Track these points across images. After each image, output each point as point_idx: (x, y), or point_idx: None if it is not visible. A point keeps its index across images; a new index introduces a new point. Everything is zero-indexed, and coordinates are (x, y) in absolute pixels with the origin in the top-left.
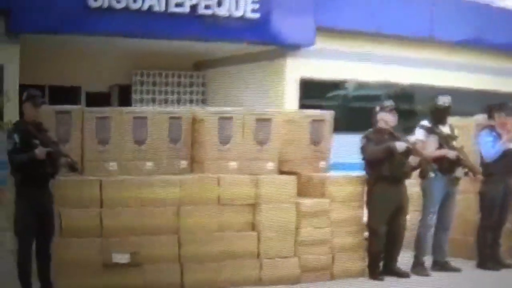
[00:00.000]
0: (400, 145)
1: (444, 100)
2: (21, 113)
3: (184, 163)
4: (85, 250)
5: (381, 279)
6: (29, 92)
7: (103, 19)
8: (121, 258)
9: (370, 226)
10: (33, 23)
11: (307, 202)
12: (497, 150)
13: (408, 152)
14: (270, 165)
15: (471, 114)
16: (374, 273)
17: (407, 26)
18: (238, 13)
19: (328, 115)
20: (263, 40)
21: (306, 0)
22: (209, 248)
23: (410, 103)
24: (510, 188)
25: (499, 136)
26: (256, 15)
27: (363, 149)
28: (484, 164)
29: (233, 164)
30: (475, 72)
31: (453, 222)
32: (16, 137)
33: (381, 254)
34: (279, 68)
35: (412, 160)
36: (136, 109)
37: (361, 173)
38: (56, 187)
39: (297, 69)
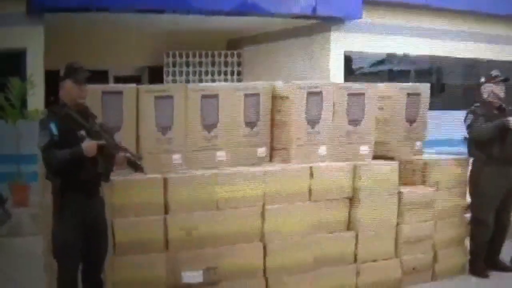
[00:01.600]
0: None
1: None
2: (48, 102)
3: (262, 151)
4: (147, 269)
5: (487, 276)
6: (70, 65)
7: None
8: (193, 276)
9: (477, 215)
10: (57, 0)
11: (411, 192)
12: None
13: None
14: (365, 149)
15: None
16: (479, 269)
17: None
18: None
19: (424, 87)
20: (306, 13)
21: None
22: (301, 255)
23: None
24: None
25: None
26: None
27: (470, 127)
28: None
29: (322, 150)
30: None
31: None
32: (53, 127)
33: (486, 247)
34: (323, 43)
35: None
36: (205, 85)
37: (462, 154)
38: (106, 192)
39: (342, 43)
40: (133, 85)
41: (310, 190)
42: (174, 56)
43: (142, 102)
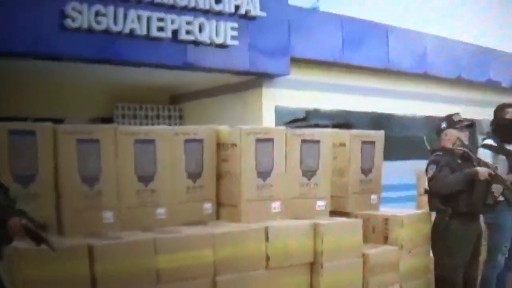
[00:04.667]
0: (482, 171)
1: None
2: None
3: (208, 207)
4: None
5: None
6: None
7: (82, 42)
8: None
9: (445, 275)
10: (4, 45)
11: (376, 253)
12: None
13: (491, 179)
14: (321, 205)
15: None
16: None
17: (368, 58)
18: (219, 40)
19: (379, 135)
20: (240, 70)
21: (282, 31)
22: None
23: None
24: None
25: None
26: (235, 42)
27: (434, 179)
28: None
29: (275, 206)
30: (427, 100)
31: None
32: None
33: None
34: (256, 98)
35: (495, 189)
36: (138, 128)
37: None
38: (13, 265)
39: (273, 98)
40: (49, 124)
41: (266, 256)
42: (123, 108)
43: (62, 146)
